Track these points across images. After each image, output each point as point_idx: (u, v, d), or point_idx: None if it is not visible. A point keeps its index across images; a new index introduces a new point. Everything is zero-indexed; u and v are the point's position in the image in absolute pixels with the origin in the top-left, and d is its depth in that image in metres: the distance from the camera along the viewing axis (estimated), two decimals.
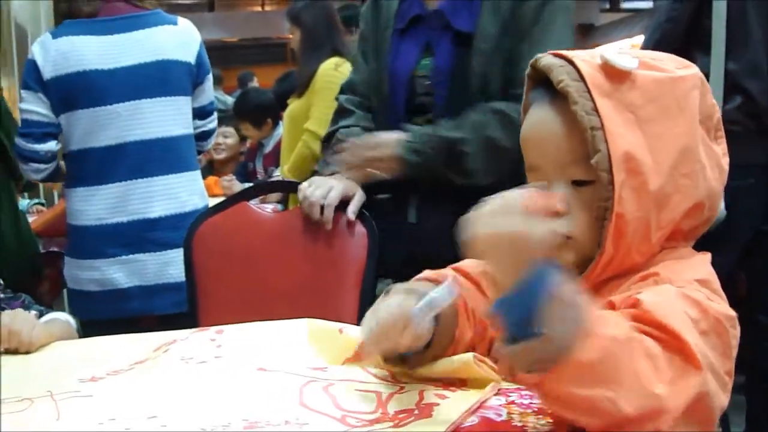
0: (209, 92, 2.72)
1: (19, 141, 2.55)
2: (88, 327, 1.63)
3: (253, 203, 2.04)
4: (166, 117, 2.55)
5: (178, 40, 2.59)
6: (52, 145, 2.55)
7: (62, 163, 2.64)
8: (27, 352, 1.37)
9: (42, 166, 2.57)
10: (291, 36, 3.68)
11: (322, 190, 1.77)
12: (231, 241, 1.95)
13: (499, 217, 0.79)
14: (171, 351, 1.31)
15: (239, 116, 4.92)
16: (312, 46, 3.53)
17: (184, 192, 2.57)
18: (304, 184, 1.81)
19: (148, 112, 2.51)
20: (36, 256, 3.18)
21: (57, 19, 2.73)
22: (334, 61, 3.44)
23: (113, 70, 2.49)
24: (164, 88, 2.54)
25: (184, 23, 2.65)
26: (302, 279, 1.84)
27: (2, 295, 1.56)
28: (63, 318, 1.56)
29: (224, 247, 1.95)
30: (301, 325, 1.32)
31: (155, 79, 2.52)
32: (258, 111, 4.82)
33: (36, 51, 2.50)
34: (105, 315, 2.50)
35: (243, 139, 5.22)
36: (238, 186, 4.33)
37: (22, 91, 2.53)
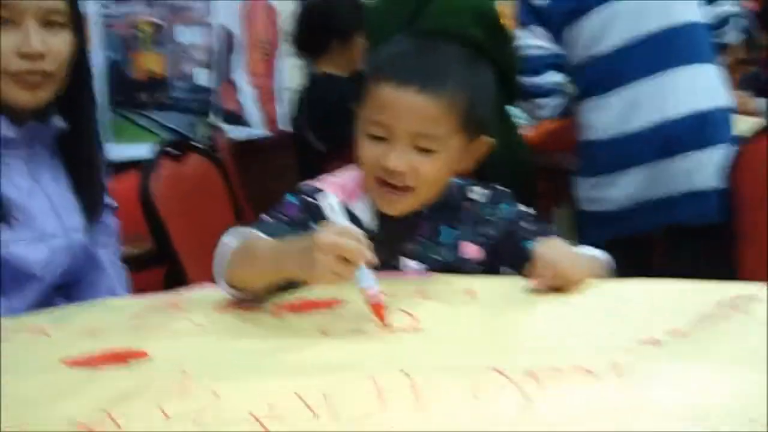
0: None
1: (522, 78, 2.45)
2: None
3: None
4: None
5: None
6: (553, 76, 2.41)
7: None
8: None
9: (547, 100, 2.46)
10: None
11: None
12: None
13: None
14: None
15: None
16: None
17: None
18: None
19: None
20: (526, 170, 3.07)
21: None
22: None
23: None
24: None
25: None
26: None
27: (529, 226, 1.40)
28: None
29: None
30: None
31: None
32: None
33: None
34: (618, 234, 2.31)
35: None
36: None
37: (517, 32, 2.43)
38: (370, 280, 1.06)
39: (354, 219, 1.35)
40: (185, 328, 1.12)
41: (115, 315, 1.25)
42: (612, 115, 2.31)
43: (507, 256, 1.38)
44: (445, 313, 1.12)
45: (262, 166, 3.68)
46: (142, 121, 3.12)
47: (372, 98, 1.31)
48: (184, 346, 1.05)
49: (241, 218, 2.48)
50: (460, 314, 1.12)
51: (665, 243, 2.40)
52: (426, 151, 1.29)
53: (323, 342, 1.03)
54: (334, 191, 1.36)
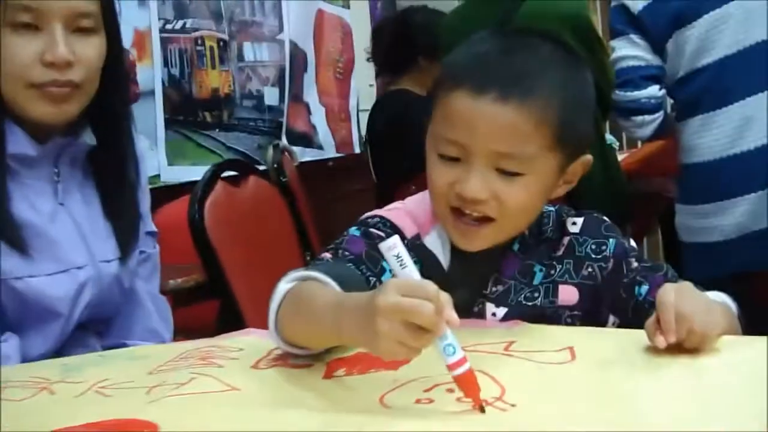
0: None
1: (617, 93, 2.21)
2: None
3: None
4: None
5: None
6: (654, 90, 2.15)
7: None
8: None
9: (647, 117, 2.20)
10: None
11: None
12: None
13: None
14: None
15: None
16: None
17: None
18: None
19: None
20: (622, 195, 2.81)
21: None
22: None
23: None
24: None
25: None
26: None
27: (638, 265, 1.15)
28: None
29: None
30: None
31: None
32: None
33: None
34: (726, 270, 2.04)
35: None
36: None
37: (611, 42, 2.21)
38: (454, 350, 0.81)
39: (427, 255, 1.12)
40: (210, 391, 0.90)
41: (134, 368, 1.05)
42: (720, 134, 2.06)
43: (614, 303, 1.13)
44: (538, 381, 0.88)
45: (334, 190, 3.50)
46: (204, 141, 2.95)
47: (444, 110, 1.07)
48: (203, 419, 0.83)
49: (309, 249, 2.30)
50: (556, 382, 0.87)
51: None
52: (511, 174, 1.05)
53: (380, 417, 0.80)
54: (403, 223, 1.13)
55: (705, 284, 1.15)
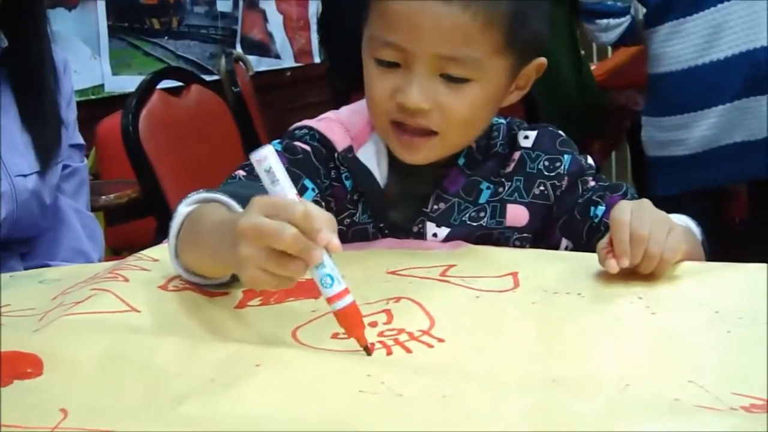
0: None
1: None
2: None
3: None
4: None
5: None
6: None
7: None
8: None
9: (612, 21, 2.10)
10: None
11: None
12: None
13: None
14: None
15: None
16: None
17: None
18: None
19: None
20: (599, 109, 2.72)
21: None
22: None
23: None
24: None
25: None
26: None
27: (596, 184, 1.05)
28: None
29: None
30: None
31: None
32: None
33: None
34: (694, 185, 1.99)
35: None
36: None
37: None
38: (332, 281, 0.70)
39: (359, 169, 1.02)
40: (107, 318, 0.80)
41: (41, 292, 0.95)
42: (690, 43, 1.96)
43: (567, 225, 1.04)
44: (473, 312, 0.79)
45: (292, 102, 3.38)
46: (152, 50, 2.79)
47: (380, 9, 0.94)
48: (86, 345, 0.73)
49: None
50: (492, 315, 0.78)
51: (747, 196, 2.05)
52: (457, 80, 0.93)
53: (283, 356, 0.70)
54: (333, 134, 1.02)
55: (671, 201, 1.06)
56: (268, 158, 0.70)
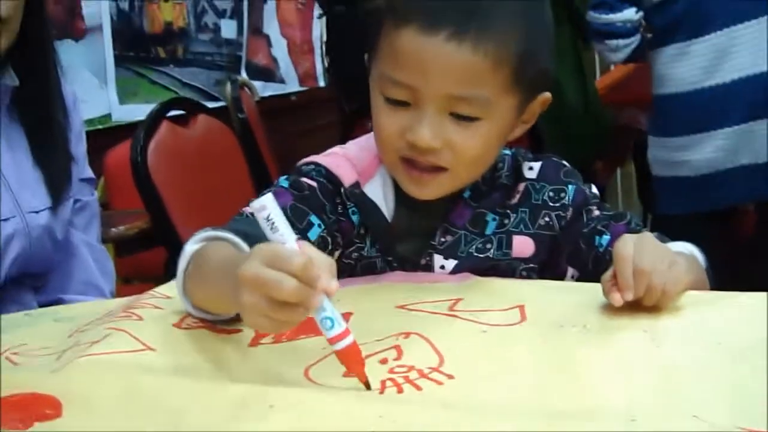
0: None
1: (591, 14, 2.13)
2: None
3: None
4: None
5: None
6: (631, 14, 2.06)
7: None
8: None
9: (621, 42, 2.11)
10: None
11: None
12: None
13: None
14: None
15: None
16: None
17: None
18: None
19: None
20: (605, 130, 2.73)
21: None
22: None
23: None
24: None
25: None
26: None
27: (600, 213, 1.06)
28: None
29: None
30: None
31: None
32: None
33: None
34: (701, 206, 2.00)
35: None
36: None
37: None
38: (332, 323, 0.72)
39: (367, 205, 1.03)
40: (121, 351, 0.82)
41: (56, 330, 0.96)
42: (695, 65, 1.98)
43: (573, 255, 1.05)
44: (481, 348, 0.80)
45: (298, 126, 3.40)
46: (158, 78, 2.82)
47: (390, 48, 0.95)
48: (106, 387, 0.75)
49: (268, 189, 2.21)
50: (501, 350, 0.80)
51: (755, 218, 2.05)
52: (466, 119, 0.94)
53: (297, 394, 0.72)
54: (340, 169, 1.03)
55: (678, 220, 1.07)
56: (267, 207, 0.72)
